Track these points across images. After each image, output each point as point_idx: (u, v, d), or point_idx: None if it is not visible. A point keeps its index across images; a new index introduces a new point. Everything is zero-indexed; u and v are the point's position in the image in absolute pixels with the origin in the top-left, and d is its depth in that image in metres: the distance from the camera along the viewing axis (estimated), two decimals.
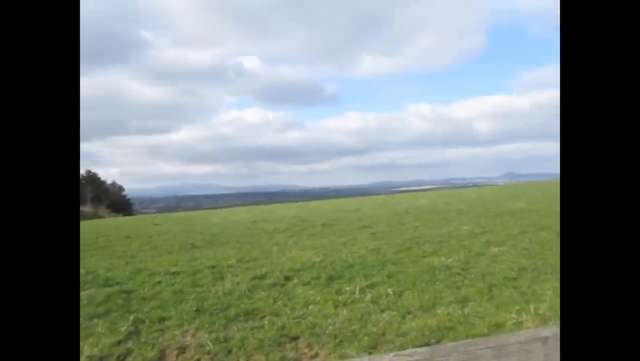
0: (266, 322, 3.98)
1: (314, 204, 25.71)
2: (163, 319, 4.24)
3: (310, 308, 4.36)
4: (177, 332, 3.89)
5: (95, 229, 15.37)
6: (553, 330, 0.84)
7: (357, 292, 4.77)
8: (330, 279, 5.47)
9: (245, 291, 5.11)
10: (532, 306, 3.89)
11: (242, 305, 4.54)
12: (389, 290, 4.76)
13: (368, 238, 8.87)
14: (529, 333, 0.83)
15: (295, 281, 5.48)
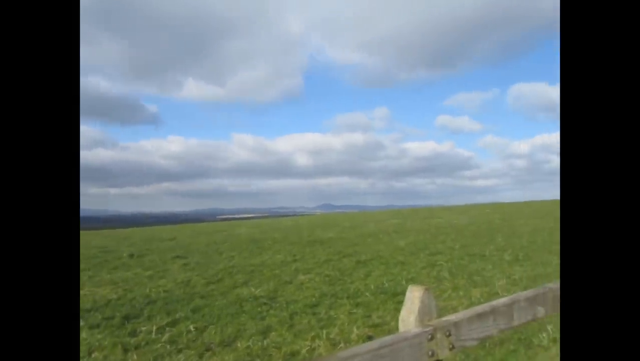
0: None
1: (126, 232, 23.23)
2: None
3: (93, 355, 3.77)
4: None
5: None
6: None
7: (154, 332, 4.36)
8: (126, 318, 4.89)
9: None
10: (324, 332, 4.16)
11: None
12: (191, 326, 4.49)
13: (179, 269, 8.35)
14: None
15: (81, 324, 4.71)
